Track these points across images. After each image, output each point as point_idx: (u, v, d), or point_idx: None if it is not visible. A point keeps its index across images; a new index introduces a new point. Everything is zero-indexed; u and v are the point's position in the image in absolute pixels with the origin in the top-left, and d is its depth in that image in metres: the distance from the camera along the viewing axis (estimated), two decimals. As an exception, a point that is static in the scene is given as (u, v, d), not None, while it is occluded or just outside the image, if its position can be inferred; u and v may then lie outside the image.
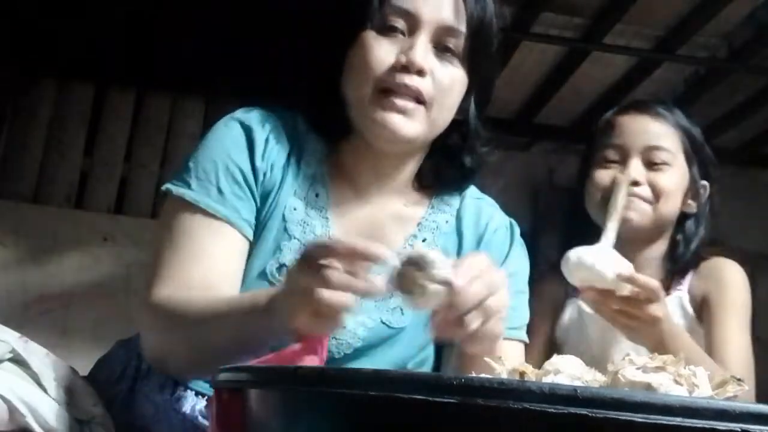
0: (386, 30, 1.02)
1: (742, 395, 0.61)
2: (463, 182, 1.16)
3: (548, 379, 0.63)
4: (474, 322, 0.81)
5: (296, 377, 0.55)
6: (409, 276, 0.78)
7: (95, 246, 2.79)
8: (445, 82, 1.03)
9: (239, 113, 1.07)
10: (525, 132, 3.21)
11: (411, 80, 0.99)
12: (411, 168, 1.12)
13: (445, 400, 0.46)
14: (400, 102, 1.00)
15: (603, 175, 1.47)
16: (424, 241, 1.10)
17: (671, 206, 1.48)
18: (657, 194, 1.45)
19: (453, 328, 0.83)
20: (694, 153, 1.50)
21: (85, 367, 1.07)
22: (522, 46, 2.54)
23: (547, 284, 1.54)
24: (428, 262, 0.78)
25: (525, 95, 2.99)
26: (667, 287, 1.47)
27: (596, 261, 1.24)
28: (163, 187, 1.02)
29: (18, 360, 0.89)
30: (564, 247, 1.33)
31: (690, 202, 1.51)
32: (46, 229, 2.76)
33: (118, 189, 2.93)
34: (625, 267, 1.25)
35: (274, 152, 1.05)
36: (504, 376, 0.66)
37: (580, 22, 2.46)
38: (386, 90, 1.00)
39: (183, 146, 2.94)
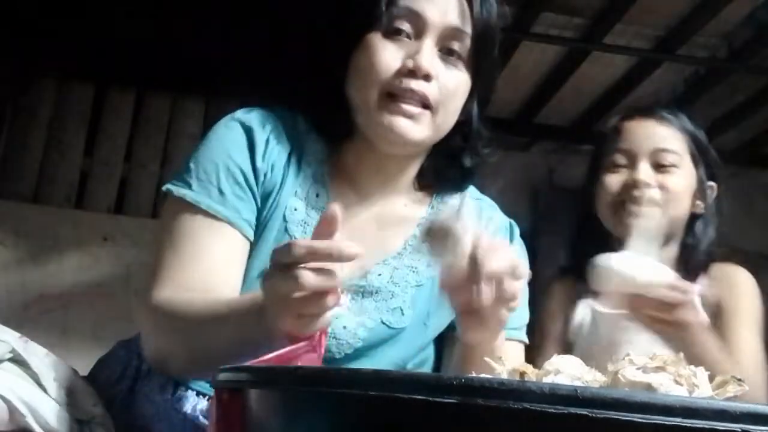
0: (392, 33, 1.02)
1: (744, 396, 0.61)
2: (463, 182, 1.16)
3: (548, 379, 0.63)
4: (485, 293, 0.81)
5: (296, 377, 0.55)
6: (444, 223, 0.80)
7: (95, 246, 2.79)
8: (451, 86, 1.02)
9: (239, 113, 1.07)
10: (525, 132, 3.21)
11: (417, 85, 0.99)
12: (413, 169, 1.12)
13: (445, 400, 0.46)
14: (406, 107, 1.00)
15: (613, 180, 1.49)
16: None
17: (681, 208, 1.49)
18: (666, 196, 1.47)
19: (463, 293, 0.82)
20: (699, 154, 1.52)
21: (85, 367, 1.07)
22: (522, 46, 2.55)
23: (559, 285, 1.55)
24: (465, 214, 0.80)
25: (525, 95, 2.99)
26: None
27: (631, 266, 1.25)
28: (164, 188, 1.02)
29: (18, 360, 0.89)
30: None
31: (698, 203, 1.53)
32: (46, 229, 2.77)
33: (118, 189, 2.93)
34: (665, 272, 1.26)
35: (274, 153, 1.05)
36: (504, 376, 0.65)
37: (580, 22, 2.46)
38: (392, 94, 1.00)
39: (183, 146, 2.94)
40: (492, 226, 1.15)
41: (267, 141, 1.04)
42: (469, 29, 1.03)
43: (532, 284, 1.21)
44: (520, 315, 1.13)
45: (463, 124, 1.10)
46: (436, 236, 0.80)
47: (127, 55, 2.80)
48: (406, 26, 1.02)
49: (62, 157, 2.91)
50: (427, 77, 0.99)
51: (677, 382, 0.59)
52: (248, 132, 1.04)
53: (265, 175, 1.03)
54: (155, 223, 2.79)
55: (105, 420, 0.94)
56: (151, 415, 0.97)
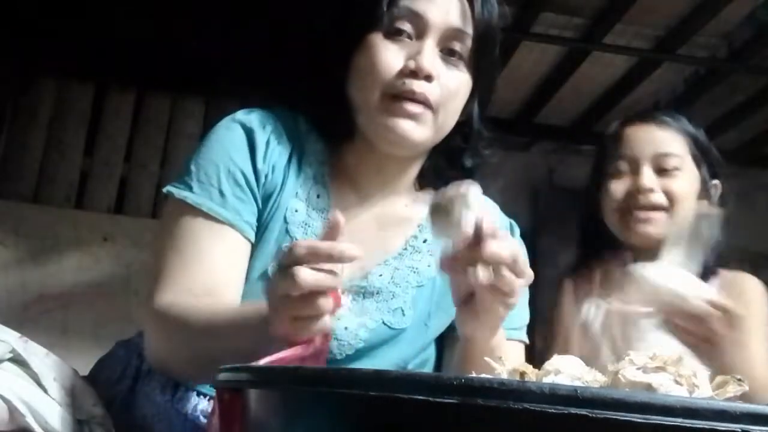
0: (393, 33, 1.02)
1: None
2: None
3: (548, 379, 0.63)
4: (481, 274, 0.81)
5: (296, 377, 0.55)
6: (449, 197, 0.80)
7: (95, 246, 2.79)
8: (452, 87, 1.02)
9: (240, 115, 1.06)
10: (525, 132, 3.21)
11: (419, 86, 0.99)
12: (413, 170, 1.12)
13: (445, 400, 0.46)
14: (408, 107, 0.99)
15: (617, 187, 1.50)
16: (425, 242, 1.10)
17: (687, 210, 1.50)
18: (671, 200, 1.48)
19: (461, 273, 0.82)
20: (701, 155, 1.53)
21: (85, 367, 1.07)
22: (522, 46, 2.55)
23: (569, 284, 1.57)
24: (471, 192, 0.79)
25: (525, 95, 2.99)
26: None
27: (668, 279, 1.25)
28: (164, 190, 1.02)
29: (18, 360, 0.89)
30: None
31: (704, 202, 1.53)
32: (46, 229, 2.77)
33: (118, 189, 2.93)
34: (705, 288, 1.26)
35: (275, 154, 1.04)
36: (504, 376, 0.65)
37: (580, 22, 2.46)
38: (394, 96, 1.00)
39: (183, 146, 2.94)
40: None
41: (268, 142, 1.04)
42: (470, 30, 1.03)
43: (532, 284, 1.21)
44: (520, 315, 1.13)
45: (463, 125, 1.10)
46: (441, 212, 0.80)
47: (127, 55, 2.80)
48: (407, 27, 1.01)
49: (62, 157, 2.91)
50: (428, 78, 0.99)
51: (677, 382, 0.59)
52: (249, 133, 1.04)
53: (266, 176, 1.03)
54: (155, 223, 2.79)
55: (105, 420, 0.94)
56: (152, 415, 0.97)
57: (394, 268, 1.07)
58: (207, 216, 0.98)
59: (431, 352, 1.13)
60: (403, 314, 1.07)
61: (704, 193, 1.53)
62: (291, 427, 0.55)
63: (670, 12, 2.38)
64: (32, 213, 2.79)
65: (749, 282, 1.51)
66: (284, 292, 0.77)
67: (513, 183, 3.08)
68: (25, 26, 2.70)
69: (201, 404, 0.97)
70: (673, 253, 1.32)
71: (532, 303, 1.19)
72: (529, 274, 0.86)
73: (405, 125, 1.00)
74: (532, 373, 0.64)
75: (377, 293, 1.05)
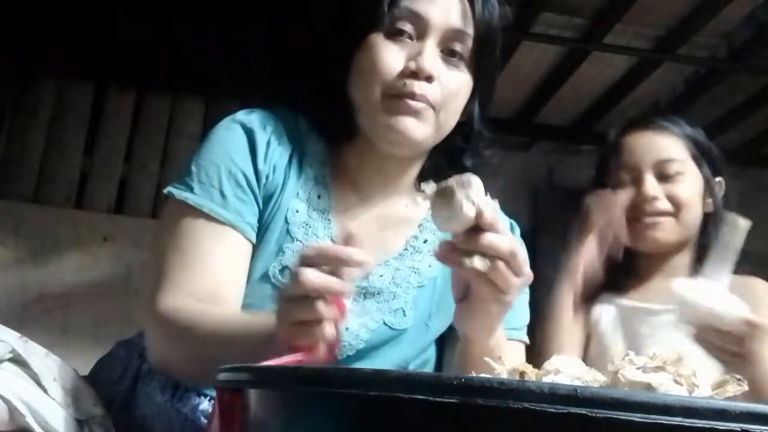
0: (394, 33, 1.01)
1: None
2: (463, 183, 1.16)
3: (548, 379, 0.63)
4: (477, 262, 0.81)
5: (296, 377, 0.55)
6: (451, 186, 0.80)
7: (95, 246, 2.79)
8: (453, 88, 1.02)
9: (240, 115, 1.06)
10: (525, 132, 3.21)
11: (420, 87, 0.99)
12: (414, 170, 1.12)
13: (445, 400, 0.46)
14: (410, 103, 0.99)
15: (622, 197, 1.51)
16: (425, 242, 1.10)
17: (693, 213, 1.52)
18: (677, 205, 1.50)
19: (456, 258, 0.82)
20: (701, 155, 1.54)
21: (85, 367, 1.07)
22: (522, 46, 2.55)
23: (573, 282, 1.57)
24: (472, 185, 0.80)
25: (525, 95, 2.99)
26: None
27: (705, 297, 1.25)
28: (165, 190, 1.02)
29: (18, 360, 0.89)
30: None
31: (708, 201, 1.54)
32: (46, 229, 2.77)
33: (118, 189, 2.93)
34: (736, 305, 1.26)
35: (276, 154, 1.04)
36: (504, 376, 0.65)
37: (580, 22, 2.46)
38: (395, 96, 1.00)
39: (183, 146, 2.94)
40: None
41: (268, 143, 1.04)
42: (471, 30, 1.03)
43: (532, 284, 1.21)
44: (520, 315, 1.13)
45: (464, 125, 1.10)
46: (443, 200, 0.80)
47: (127, 55, 2.80)
48: (408, 27, 1.01)
49: (62, 157, 2.91)
50: (429, 79, 0.99)
51: (677, 381, 0.59)
52: (249, 134, 1.04)
53: (266, 177, 1.03)
54: (155, 223, 2.79)
55: (105, 420, 0.94)
56: (152, 415, 0.97)
57: (395, 269, 1.07)
58: (208, 217, 0.98)
59: (432, 353, 1.13)
60: (404, 315, 1.07)
61: (709, 191, 1.54)
62: (291, 427, 0.55)
63: (670, 12, 2.38)
64: (32, 213, 2.79)
65: (759, 286, 1.52)
66: (289, 292, 0.77)
67: (513, 183, 3.08)
68: (25, 26, 2.70)
69: (201, 404, 0.97)
70: (709, 267, 1.32)
71: (532, 303, 1.19)
72: (528, 274, 0.85)
73: (407, 123, 1.00)
74: (531, 373, 0.64)
75: (378, 294, 1.05)
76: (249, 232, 1.01)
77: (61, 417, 0.88)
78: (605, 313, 1.55)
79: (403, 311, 1.07)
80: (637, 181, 1.50)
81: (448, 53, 1.03)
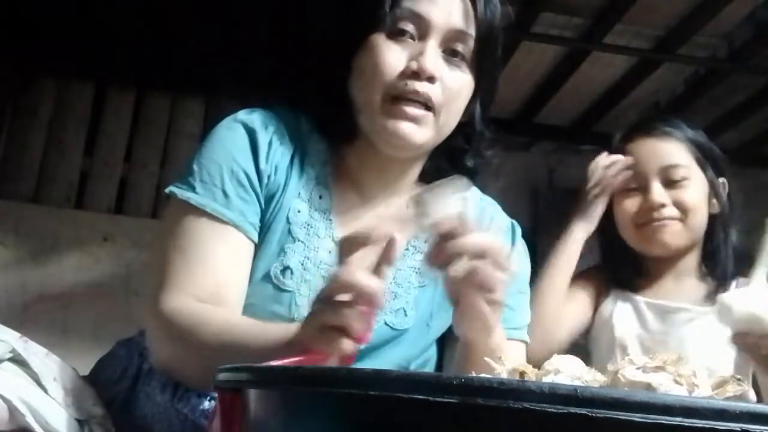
0: (396, 34, 1.01)
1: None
2: (464, 183, 1.15)
3: (548, 379, 0.63)
4: (459, 265, 0.81)
5: (296, 377, 0.55)
6: (421, 193, 0.82)
7: (95, 246, 2.79)
8: (454, 88, 1.02)
9: (241, 114, 1.06)
10: (525, 132, 3.21)
11: (421, 87, 0.99)
12: (415, 171, 1.12)
13: (445, 400, 0.46)
14: (410, 110, 0.99)
15: (630, 204, 1.54)
16: (426, 242, 1.10)
17: (700, 217, 1.54)
18: (684, 211, 1.52)
19: (441, 261, 0.82)
20: (705, 158, 1.56)
21: (85, 367, 1.07)
22: (522, 46, 2.54)
23: (586, 278, 1.61)
24: (443, 189, 0.80)
25: (525, 95, 2.99)
26: (712, 298, 1.52)
27: (758, 306, 1.26)
28: (167, 190, 1.01)
29: (18, 360, 0.89)
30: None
31: (714, 202, 1.56)
32: (46, 229, 2.77)
33: (118, 189, 2.93)
34: None
35: (277, 154, 1.04)
36: (504, 376, 0.65)
37: (580, 22, 2.46)
38: (396, 97, 1.00)
39: (183, 146, 2.94)
40: (494, 226, 1.15)
41: (270, 142, 1.04)
42: (472, 31, 1.03)
43: (532, 284, 1.21)
44: (520, 315, 1.13)
45: (465, 125, 1.10)
46: (418, 207, 0.81)
47: (127, 55, 2.80)
48: (409, 27, 1.01)
49: (62, 157, 2.91)
50: (431, 79, 0.99)
51: (677, 381, 0.59)
52: (251, 133, 1.03)
53: (268, 176, 1.03)
54: (155, 223, 2.79)
55: (105, 420, 0.94)
56: (152, 415, 0.97)
57: (396, 269, 1.07)
58: (211, 217, 0.98)
59: (433, 352, 1.13)
60: (406, 315, 1.07)
61: (714, 193, 1.55)
62: (291, 427, 0.55)
63: (670, 12, 2.37)
64: (32, 213, 2.79)
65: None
66: (327, 290, 0.77)
67: (513, 183, 3.08)
68: (25, 26, 2.70)
69: (201, 404, 0.97)
70: (754, 273, 1.32)
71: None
72: (510, 266, 0.85)
73: (406, 128, 1.00)
74: (531, 373, 0.64)
75: (379, 293, 1.05)
76: (251, 231, 1.01)
77: (61, 417, 0.88)
78: (619, 306, 1.56)
79: (405, 311, 1.07)
80: (644, 189, 1.52)
81: (450, 53, 1.03)
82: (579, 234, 1.56)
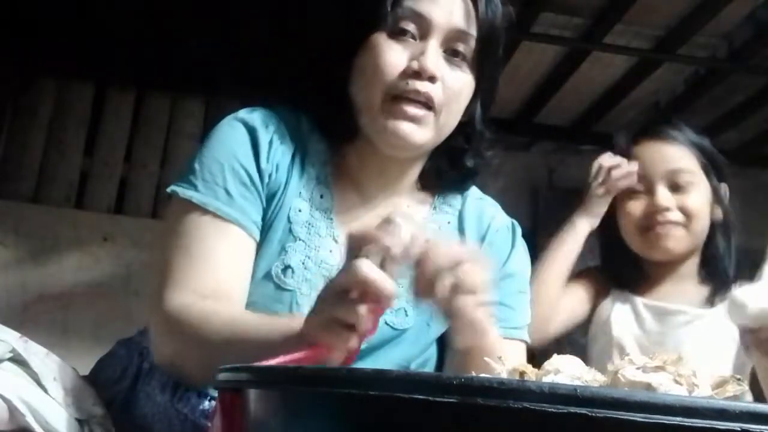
0: (397, 33, 1.01)
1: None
2: (464, 183, 1.16)
3: (548, 379, 0.63)
4: (440, 287, 0.80)
5: (296, 377, 0.55)
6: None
7: (95, 246, 2.79)
8: (455, 88, 1.02)
9: (242, 113, 1.06)
10: (525, 132, 3.21)
11: (422, 87, 0.99)
12: (415, 170, 1.12)
13: (445, 400, 0.46)
14: (410, 109, 0.99)
15: (633, 207, 1.54)
16: (426, 242, 1.10)
17: (703, 223, 1.55)
18: (688, 216, 1.52)
19: (427, 289, 0.81)
20: (709, 164, 1.57)
21: (85, 367, 1.07)
22: (522, 46, 2.55)
23: (586, 276, 1.62)
24: (401, 221, 0.78)
25: (525, 95, 2.99)
26: (711, 301, 1.54)
27: (760, 298, 1.26)
28: (169, 189, 1.01)
29: (18, 360, 0.89)
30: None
31: (716, 208, 1.57)
32: (46, 229, 2.77)
33: (118, 189, 2.93)
34: None
35: (278, 153, 1.04)
36: (504, 376, 0.65)
37: (580, 22, 2.46)
38: (396, 96, 1.00)
39: (183, 146, 2.94)
40: (494, 226, 1.15)
41: (271, 141, 1.04)
42: (474, 31, 1.03)
43: (532, 279, 1.21)
44: (520, 314, 1.13)
45: (465, 125, 1.09)
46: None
47: (127, 55, 2.80)
48: (411, 27, 1.01)
49: (62, 157, 2.91)
50: (432, 79, 0.99)
51: (677, 381, 0.59)
52: (252, 132, 1.03)
53: (269, 175, 1.03)
54: (155, 223, 2.80)
55: (105, 420, 0.94)
56: (152, 415, 0.97)
57: (396, 269, 1.07)
58: (213, 215, 0.98)
59: (433, 351, 1.13)
60: (406, 314, 1.07)
61: (716, 199, 1.56)
62: (291, 427, 0.55)
63: (670, 12, 2.38)
64: (32, 213, 2.79)
65: None
66: (336, 283, 0.77)
67: (513, 183, 3.08)
68: (25, 26, 2.70)
69: (201, 404, 0.97)
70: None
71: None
72: (487, 263, 0.84)
73: (406, 128, 0.99)
74: (531, 373, 0.64)
75: (379, 294, 1.05)
76: (254, 230, 1.01)
77: (61, 417, 0.88)
78: (617, 307, 1.56)
79: (405, 311, 1.07)
80: (649, 192, 1.52)
81: (451, 53, 1.03)
82: (581, 228, 1.56)
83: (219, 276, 0.96)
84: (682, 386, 0.59)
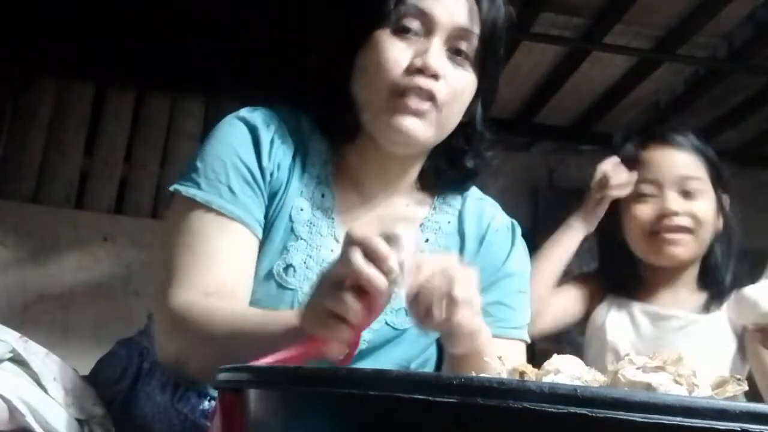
0: (400, 31, 1.01)
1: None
2: (464, 183, 1.16)
3: (548, 379, 0.63)
4: (436, 312, 0.80)
5: (296, 377, 0.55)
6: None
7: (95, 246, 2.79)
8: (458, 86, 1.02)
9: (243, 112, 1.06)
10: (525, 132, 3.21)
11: (426, 83, 0.99)
12: (414, 170, 1.12)
13: (445, 400, 0.46)
14: (413, 103, 0.99)
15: (643, 210, 1.53)
16: (426, 241, 1.10)
17: (709, 231, 1.56)
18: (697, 222, 1.52)
19: (425, 317, 0.82)
20: (716, 173, 1.57)
21: (85, 367, 1.07)
22: (522, 46, 2.54)
23: (582, 280, 1.63)
24: (394, 242, 0.77)
25: (525, 95, 2.99)
26: (707, 308, 1.54)
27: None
28: (171, 188, 1.01)
29: (18, 360, 0.89)
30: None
31: (719, 218, 1.57)
32: (46, 229, 2.77)
33: (118, 189, 2.93)
34: None
35: (279, 152, 1.04)
36: (504, 376, 0.65)
37: (580, 22, 2.46)
38: (400, 92, 1.00)
39: (183, 146, 2.94)
40: (494, 226, 1.15)
41: (272, 140, 1.04)
42: (477, 30, 1.03)
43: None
44: (520, 314, 1.13)
45: (466, 126, 1.09)
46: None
47: (127, 55, 2.80)
48: (414, 25, 1.01)
49: (62, 157, 2.91)
50: (435, 76, 0.99)
51: (677, 381, 0.59)
52: (253, 131, 1.03)
53: (271, 174, 1.03)
54: (155, 223, 2.80)
55: (105, 420, 0.94)
56: (152, 415, 0.97)
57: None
58: (217, 213, 0.98)
59: (432, 352, 1.13)
60: (406, 314, 1.06)
61: (719, 208, 1.56)
62: (291, 427, 0.55)
63: (670, 12, 2.37)
64: (32, 213, 2.79)
65: None
66: (330, 274, 0.77)
67: (513, 183, 3.08)
68: (25, 26, 2.70)
69: (201, 404, 0.97)
70: None
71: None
72: (469, 272, 0.84)
73: (409, 123, 0.99)
74: (531, 373, 0.64)
75: (380, 294, 1.05)
76: (257, 228, 1.01)
77: (61, 417, 0.88)
78: (613, 314, 1.56)
79: (405, 311, 1.07)
80: (658, 196, 1.52)
81: (454, 52, 1.03)
82: (576, 230, 1.56)
83: (223, 273, 0.96)
84: (682, 386, 0.59)
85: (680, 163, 1.54)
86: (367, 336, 1.03)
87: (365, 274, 0.74)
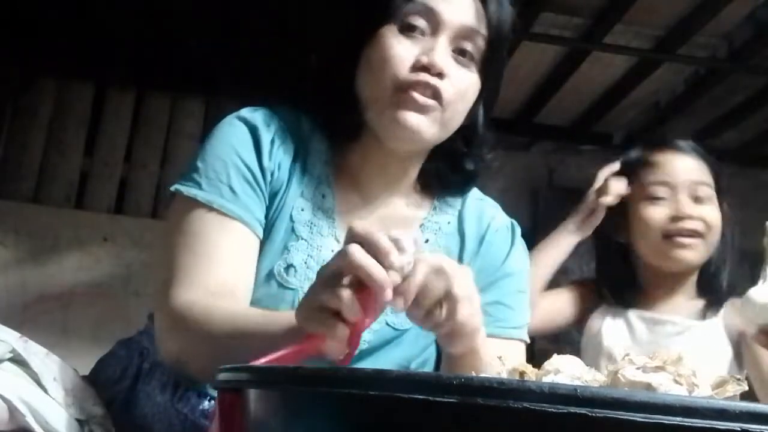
0: (407, 29, 1.01)
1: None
2: (465, 185, 1.16)
3: (548, 379, 0.63)
4: (437, 311, 0.80)
5: (296, 377, 0.55)
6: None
7: (95, 246, 2.80)
8: (462, 86, 1.02)
9: (244, 112, 1.06)
10: (525, 132, 3.21)
11: (431, 80, 0.99)
12: (414, 170, 1.12)
13: (445, 400, 0.46)
14: (418, 96, 0.99)
15: (656, 212, 1.53)
16: (426, 242, 1.10)
17: (716, 237, 1.55)
18: (708, 227, 1.52)
19: (425, 317, 0.82)
20: (721, 183, 1.57)
21: (85, 367, 1.07)
22: (522, 46, 2.54)
23: (577, 286, 1.63)
24: (394, 244, 0.77)
25: (525, 95, 2.99)
26: (703, 315, 1.55)
27: None
28: (172, 188, 1.01)
29: (18, 360, 0.89)
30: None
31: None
32: (46, 229, 2.77)
33: (118, 189, 2.93)
34: None
35: (280, 152, 1.04)
36: (504, 376, 0.65)
37: (580, 22, 2.46)
38: (404, 88, 1.00)
39: (183, 146, 2.94)
40: (494, 226, 1.15)
41: (272, 140, 1.04)
42: (483, 31, 1.03)
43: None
44: (520, 314, 1.13)
45: (467, 128, 1.09)
46: None
47: (127, 55, 2.80)
48: (421, 23, 1.01)
49: (62, 157, 2.91)
50: (440, 74, 0.99)
51: (677, 381, 0.59)
52: (253, 131, 1.04)
53: (272, 174, 1.03)
54: (155, 223, 2.80)
55: (105, 420, 0.94)
56: (152, 415, 0.97)
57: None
58: (218, 212, 0.98)
59: (432, 351, 1.13)
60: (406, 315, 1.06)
61: (723, 216, 1.57)
62: (291, 427, 0.55)
63: (670, 12, 2.38)
64: (32, 213, 2.79)
65: None
66: (328, 268, 0.76)
67: (513, 183, 3.09)
68: (25, 26, 2.70)
69: (201, 404, 0.97)
70: None
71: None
72: (466, 271, 0.83)
73: (413, 118, 0.99)
74: (531, 373, 0.64)
75: (380, 294, 1.05)
76: (257, 227, 1.01)
77: (61, 417, 0.88)
78: (608, 321, 1.56)
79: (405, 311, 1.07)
80: (672, 199, 1.52)
81: (459, 52, 1.03)
82: (570, 232, 1.56)
83: (223, 273, 0.96)
84: (682, 386, 0.59)
85: (692, 168, 1.55)
86: (367, 336, 1.03)
87: (365, 266, 0.73)
